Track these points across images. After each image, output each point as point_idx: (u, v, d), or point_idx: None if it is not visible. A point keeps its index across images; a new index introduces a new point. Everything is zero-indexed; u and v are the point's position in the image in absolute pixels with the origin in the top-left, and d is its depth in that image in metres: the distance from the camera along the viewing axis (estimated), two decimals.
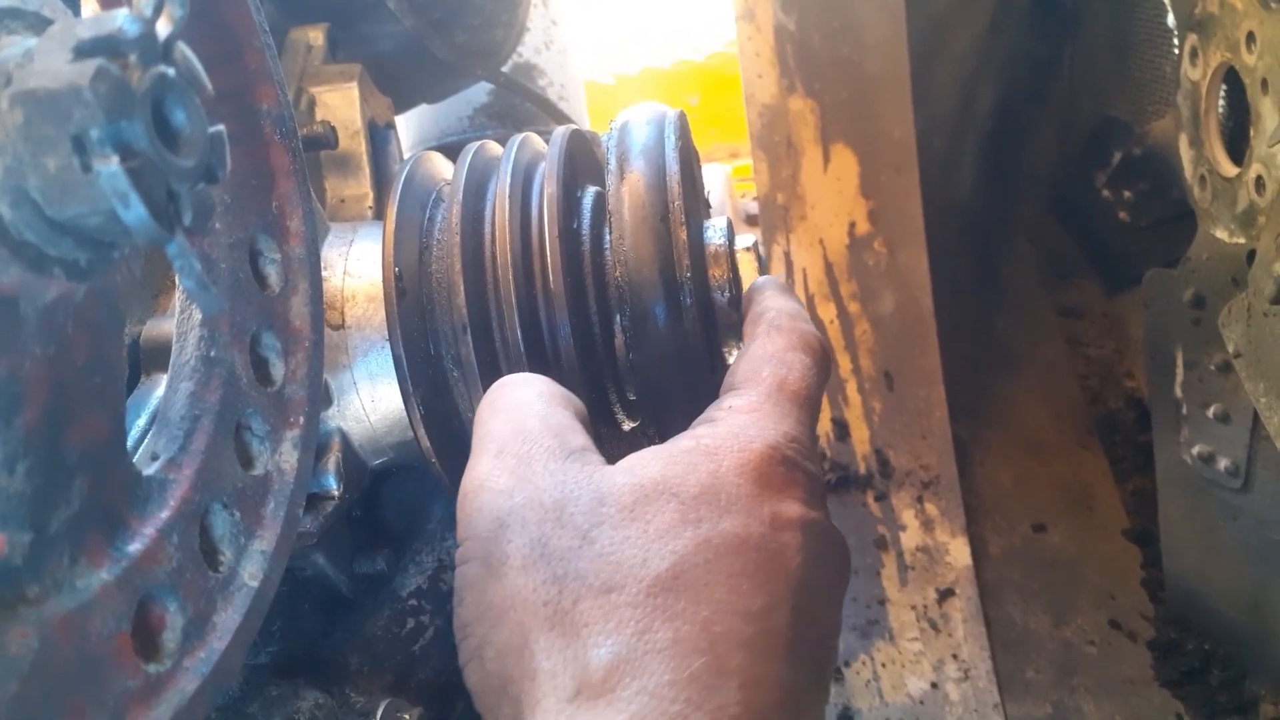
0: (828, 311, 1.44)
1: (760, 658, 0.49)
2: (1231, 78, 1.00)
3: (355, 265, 0.76)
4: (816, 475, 0.58)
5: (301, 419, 0.57)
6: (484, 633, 0.52)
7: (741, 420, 0.58)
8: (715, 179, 1.96)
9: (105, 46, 0.35)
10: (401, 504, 0.89)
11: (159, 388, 0.59)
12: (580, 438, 0.58)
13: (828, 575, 0.56)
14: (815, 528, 0.55)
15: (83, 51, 0.35)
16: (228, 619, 0.47)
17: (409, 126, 1.42)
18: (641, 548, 0.51)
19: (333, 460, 0.71)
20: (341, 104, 0.86)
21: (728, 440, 0.56)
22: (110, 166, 0.34)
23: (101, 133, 0.34)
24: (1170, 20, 1.23)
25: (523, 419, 0.59)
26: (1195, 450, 1.16)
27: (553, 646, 0.49)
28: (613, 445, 0.76)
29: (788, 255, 1.44)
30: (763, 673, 0.49)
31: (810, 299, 1.44)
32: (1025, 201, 1.63)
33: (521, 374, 0.65)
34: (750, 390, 0.60)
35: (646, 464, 0.55)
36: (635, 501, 0.53)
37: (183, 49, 0.39)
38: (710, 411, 0.60)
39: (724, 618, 0.50)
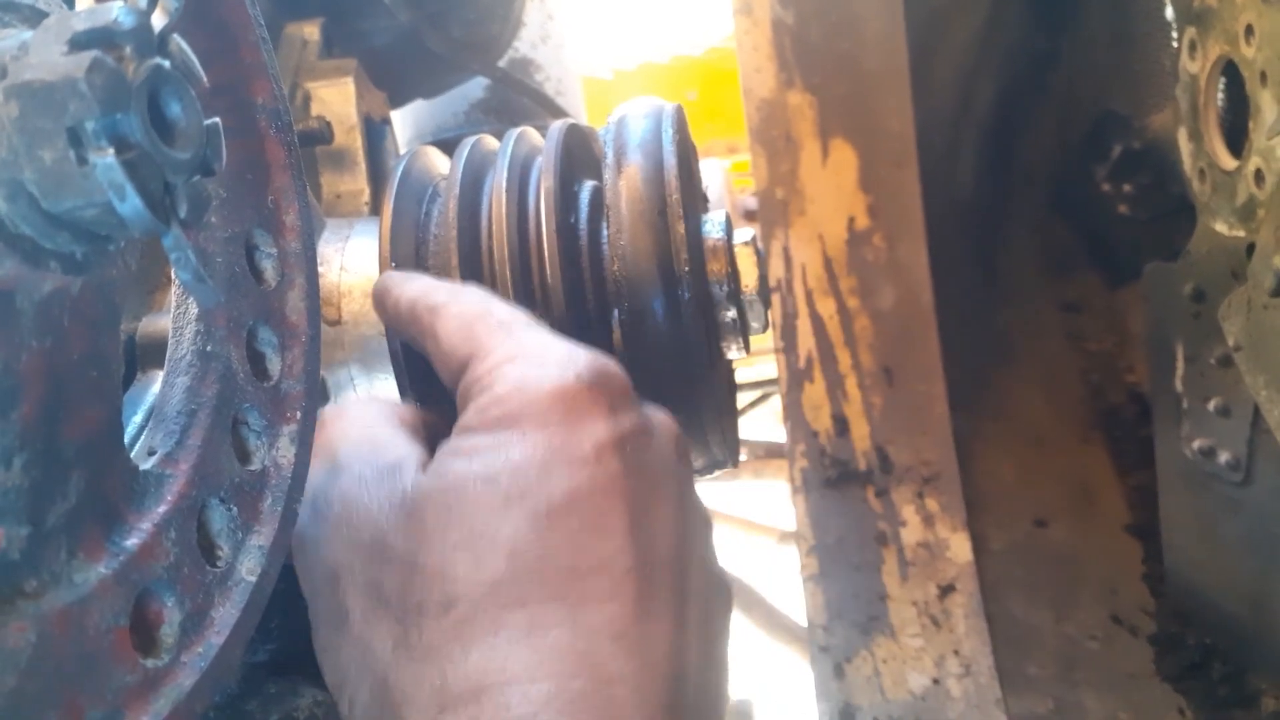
0: (827, 307, 1.44)
1: (623, 598, 0.48)
2: (1230, 70, 1.00)
3: (351, 261, 0.76)
4: (604, 372, 0.54)
5: (299, 414, 0.57)
6: (351, 694, 0.51)
7: (512, 375, 0.54)
8: (713, 174, 1.96)
9: (100, 39, 0.35)
10: None
11: (155, 383, 0.58)
12: (396, 449, 0.56)
13: (657, 477, 0.53)
14: (630, 438, 0.52)
15: (78, 44, 0.35)
16: (226, 614, 0.47)
17: (405, 122, 1.41)
18: (469, 549, 0.49)
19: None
20: (337, 99, 0.86)
21: (515, 400, 0.52)
22: (106, 159, 0.34)
23: (97, 125, 0.34)
24: (1169, 13, 1.22)
25: (335, 455, 0.57)
26: (1196, 444, 1.15)
27: (410, 682, 0.48)
28: None
29: (786, 250, 1.44)
30: (625, 611, 0.48)
31: (809, 294, 1.44)
32: (1025, 195, 1.63)
33: (339, 403, 0.64)
34: (482, 350, 0.57)
35: (451, 461, 0.52)
36: (449, 504, 0.51)
37: (178, 41, 0.39)
38: (472, 389, 0.56)
39: (575, 581, 0.48)
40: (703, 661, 0.52)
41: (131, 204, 0.34)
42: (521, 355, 0.55)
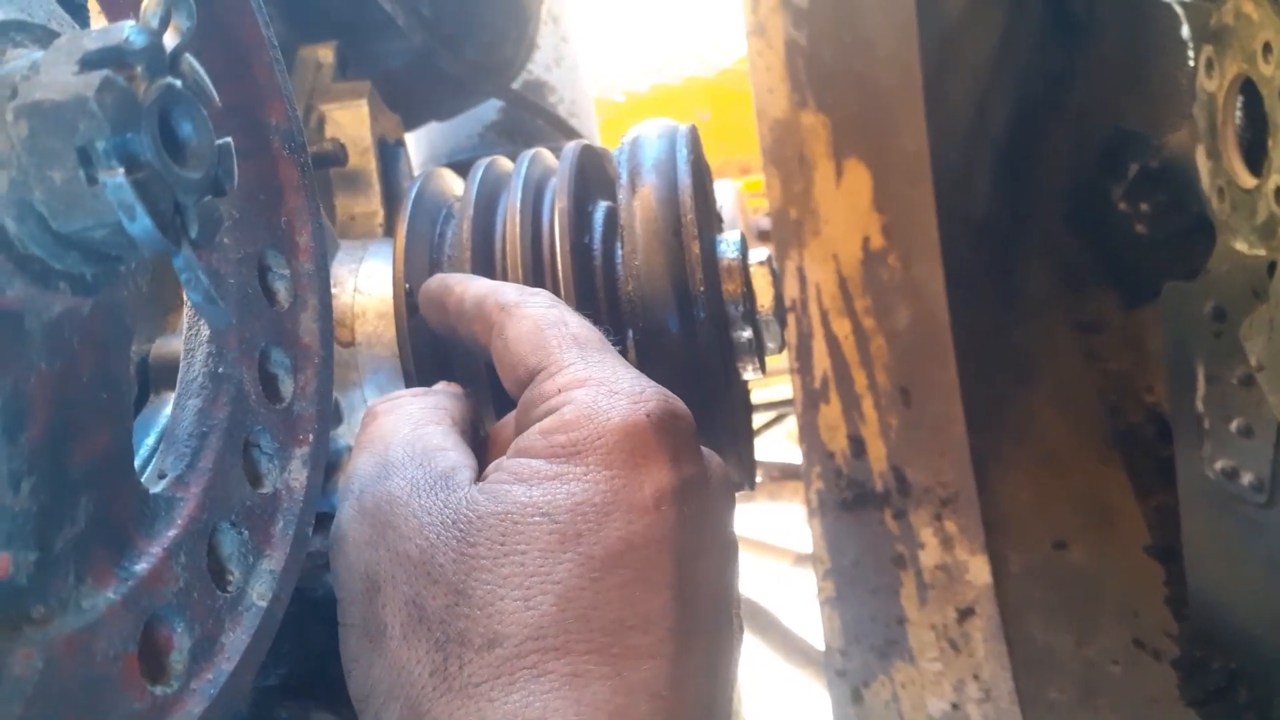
0: (842, 327, 1.43)
1: (663, 657, 0.48)
2: (1248, 88, 0.99)
3: (365, 282, 0.75)
4: (673, 414, 0.53)
5: (311, 436, 0.56)
6: (377, 710, 0.50)
7: (581, 401, 0.52)
8: (726, 194, 1.96)
9: (111, 58, 0.35)
10: None
11: (168, 406, 0.58)
12: (448, 456, 0.55)
13: (706, 529, 0.53)
14: (689, 488, 0.52)
15: (89, 63, 0.34)
16: (236, 640, 0.47)
17: (419, 144, 1.42)
18: (520, 587, 0.48)
19: (342, 479, 0.71)
20: (351, 121, 0.86)
21: (581, 430, 0.51)
22: (116, 178, 0.34)
23: (107, 144, 0.33)
24: (1185, 31, 1.22)
25: (386, 451, 0.56)
26: (1218, 465, 1.14)
27: (444, 713, 0.47)
28: None
29: (801, 271, 1.44)
30: (664, 671, 0.48)
31: (824, 314, 1.43)
32: (1041, 214, 1.62)
33: (391, 397, 0.62)
34: (554, 364, 0.55)
35: (510, 486, 0.51)
36: (505, 534, 0.50)
37: (190, 61, 0.39)
38: (537, 405, 0.55)
39: (620, 634, 0.48)
40: (727, 710, 0.53)
41: (141, 224, 0.34)
42: (593, 380, 0.54)
